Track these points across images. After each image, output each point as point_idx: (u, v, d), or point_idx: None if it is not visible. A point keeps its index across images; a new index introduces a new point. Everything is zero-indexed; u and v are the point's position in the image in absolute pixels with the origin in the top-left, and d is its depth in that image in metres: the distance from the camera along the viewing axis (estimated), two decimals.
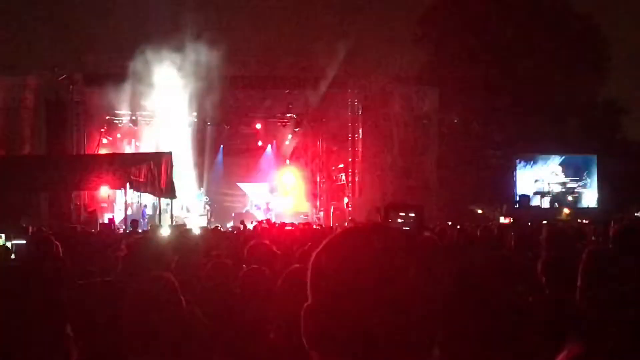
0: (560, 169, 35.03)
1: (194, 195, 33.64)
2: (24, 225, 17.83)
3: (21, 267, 5.38)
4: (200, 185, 34.87)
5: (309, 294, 1.53)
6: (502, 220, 26.32)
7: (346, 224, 24.06)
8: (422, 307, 1.48)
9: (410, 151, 33.25)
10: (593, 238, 10.43)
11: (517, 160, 35.23)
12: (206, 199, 34.31)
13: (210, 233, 13.62)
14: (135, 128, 34.36)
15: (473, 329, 3.07)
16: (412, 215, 19.90)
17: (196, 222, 29.29)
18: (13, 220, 17.93)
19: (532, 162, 35.24)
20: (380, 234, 1.55)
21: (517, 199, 34.60)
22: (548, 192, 35.13)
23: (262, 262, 6.27)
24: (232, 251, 8.34)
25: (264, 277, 5.72)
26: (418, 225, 18.33)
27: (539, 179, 35.06)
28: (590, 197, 35.08)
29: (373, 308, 1.44)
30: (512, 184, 35.10)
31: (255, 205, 36.68)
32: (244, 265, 6.64)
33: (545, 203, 34.96)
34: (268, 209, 35.47)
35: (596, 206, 34.40)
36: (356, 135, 34.70)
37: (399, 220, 19.48)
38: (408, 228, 17.62)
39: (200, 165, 34.96)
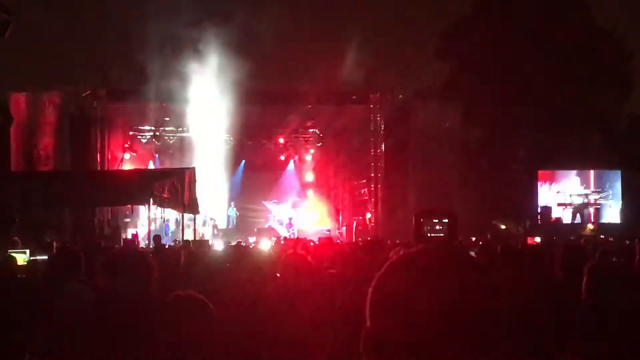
0: (580, 179, 34.73)
1: (221, 210, 33.78)
2: (49, 240, 17.90)
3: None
4: (228, 200, 35.08)
5: (368, 317, 1.52)
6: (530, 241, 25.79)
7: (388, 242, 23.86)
8: (490, 332, 1.46)
9: (433, 166, 33.06)
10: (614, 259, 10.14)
11: (539, 171, 34.95)
12: (236, 214, 34.42)
13: (235, 249, 13.56)
14: (159, 144, 34.51)
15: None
16: (445, 221, 19.71)
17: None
18: (37, 236, 17.99)
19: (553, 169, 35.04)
20: (445, 257, 1.53)
21: (539, 210, 34.30)
22: (570, 204, 34.84)
23: (297, 272, 6.34)
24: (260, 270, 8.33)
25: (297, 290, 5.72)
26: (452, 232, 18.27)
27: (560, 190, 34.77)
28: (613, 212, 34.74)
29: (440, 334, 1.42)
30: (534, 196, 34.76)
31: (278, 221, 36.65)
32: (277, 275, 6.75)
33: (567, 215, 34.67)
34: (290, 225, 35.43)
35: (619, 222, 34.07)
36: (378, 151, 34.59)
37: (437, 227, 19.40)
38: (442, 235, 17.81)
39: (223, 180, 35.07)
